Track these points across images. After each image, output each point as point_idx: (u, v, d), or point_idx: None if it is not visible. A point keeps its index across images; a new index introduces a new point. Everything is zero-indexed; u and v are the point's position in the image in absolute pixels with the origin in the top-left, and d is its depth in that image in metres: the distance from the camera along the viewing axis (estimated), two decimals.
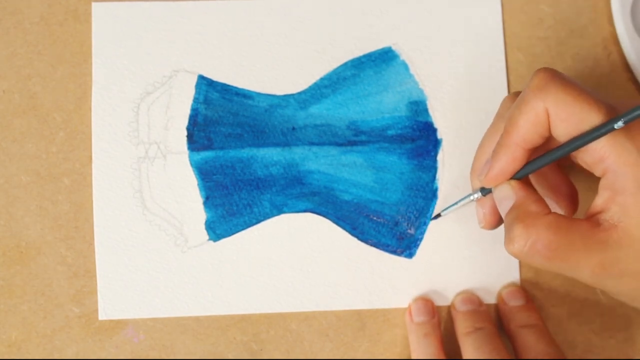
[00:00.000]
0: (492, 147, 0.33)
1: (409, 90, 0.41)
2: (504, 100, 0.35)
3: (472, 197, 0.35)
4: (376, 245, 0.40)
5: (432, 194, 0.40)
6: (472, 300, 0.39)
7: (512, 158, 0.32)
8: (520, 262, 0.40)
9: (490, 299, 0.40)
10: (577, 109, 0.29)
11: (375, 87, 0.41)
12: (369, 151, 0.40)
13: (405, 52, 0.41)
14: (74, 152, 0.40)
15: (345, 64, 0.41)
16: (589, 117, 0.29)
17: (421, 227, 0.40)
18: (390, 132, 0.40)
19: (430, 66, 0.41)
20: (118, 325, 0.39)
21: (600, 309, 0.40)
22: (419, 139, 0.40)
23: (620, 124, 0.28)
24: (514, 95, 0.34)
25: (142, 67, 0.40)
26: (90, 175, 0.39)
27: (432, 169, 0.40)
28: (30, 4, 0.41)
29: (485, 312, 0.39)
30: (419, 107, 0.41)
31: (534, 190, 0.32)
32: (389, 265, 0.40)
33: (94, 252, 0.39)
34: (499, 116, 0.35)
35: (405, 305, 0.39)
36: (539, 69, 0.31)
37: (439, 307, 0.39)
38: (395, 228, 0.40)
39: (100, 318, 0.39)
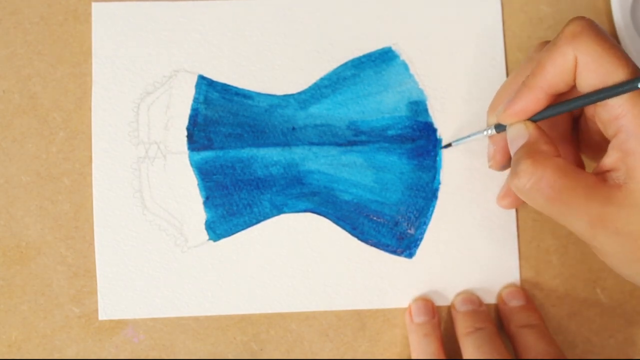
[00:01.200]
0: (514, 88, 0.33)
1: (409, 90, 0.41)
2: (535, 46, 0.35)
3: (485, 133, 0.36)
4: (376, 245, 0.40)
5: (432, 194, 0.40)
6: (472, 300, 0.39)
7: (534, 99, 0.32)
8: (520, 263, 0.40)
9: (490, 299, 0.40)
10: (605, 62, 0.30)
11: (375, 87, 0.41)
12: (369, 151, 0.40)
13: (405, 52, 0.41)
14: (74, 152, 0.40)
15: (345, 64, 0.41)
16: (616, 72, 0.29)
17: (421, 227, 0.40)
18: (390, 132, 0.40)
19: (430, 66, 0.41)
20: (118, 325, 0.39)
21: (600, 309, 0.40)
22: (419, 139, 0.41)
23: None
24: (545, 43, 0.34)
25: (142, 67, 0.40)
26: (90, 175, 0.39)
27: (432, 169, 0.40)
28: (30, 4, 0.41)
29: (485, 312, 0.39)
30: (419, 107, 0.41)
31: (547, 134, 0.33)
32: (389, 265, 0.40)
33: (94, 252, 0.39)
34: (527, 59, 0.35)
35: (405, 305, 0.39)
36: (575, 17, 0.31)
37: (439, 307, 0.39)
38: (395, 228, 0.40)
39: (100, 318, 0.39)
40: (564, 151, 0.36)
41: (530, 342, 0.37)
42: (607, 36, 0.30)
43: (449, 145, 0.40)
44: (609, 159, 0.30)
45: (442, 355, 0.37)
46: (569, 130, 0.36)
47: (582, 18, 0.31)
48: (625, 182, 0.30)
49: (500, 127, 0.35)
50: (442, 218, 0.40)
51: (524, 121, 0.33)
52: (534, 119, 0.33)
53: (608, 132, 0.31)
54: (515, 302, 0.39)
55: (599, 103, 0.31)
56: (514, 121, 0.33)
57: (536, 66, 0.32)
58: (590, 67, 0.30)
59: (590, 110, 0.33)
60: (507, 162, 0.36)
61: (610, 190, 0.30)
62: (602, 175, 0.30)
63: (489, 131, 0.35)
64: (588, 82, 0.30)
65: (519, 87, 0.33)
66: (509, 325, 0.38)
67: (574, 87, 0.32)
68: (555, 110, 0.32)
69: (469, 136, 0.38)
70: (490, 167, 0.37)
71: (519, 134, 0.33)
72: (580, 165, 0.36)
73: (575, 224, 0.30)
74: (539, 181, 0.30)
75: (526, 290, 0.40)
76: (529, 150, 0.31)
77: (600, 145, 0.34)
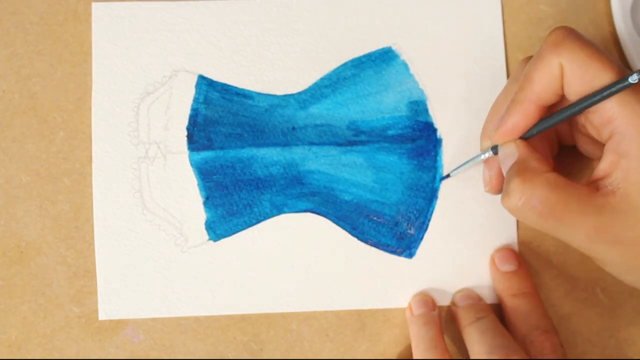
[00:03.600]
0: (503, 108, 0.33)
1: (409, 90, 0.41)
2: (519, 63, 0.36)
3: (482, 157, 0.36)
4: (376, 245, 0.40)
5: (432, 194, 0.40)
6: (472, 296, 0.39)
7: (524, 114, 0.32)
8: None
9: (490, 299, 0.40)
10: (591, 67, 0.30)
11: (376, 87, 0.41)
12: (369, 151, 0.40)
13: (405, 52, 0.41)
14: (74, 152, 0.40)
15: (345, 64, 0.41)
16: (602, 76, 0.29)
17: (421, 227, 0.40)
18: (390, 132, 0.40)
19: (430, 66, 0.41)
20: (118, 325, 0.39)
21: (600, 309, 0.40)
22: (419, 139, 0.41)
23: (635, 77, 0.28)
24: (528, 59, 0.34)
25: (142, 67, 0.40)
26: (90, 175, 0.39)
27: (432, 169, 0.40)
28: (30, 4, 0.41)
29: (485, 304, 0.39)
30: (419, 107, 0.41)
31: (537, 150, 0.32)
32: (389, 265, 0.40)
33: (94, 252, 0.39)
34: (512, 79, 0.35)
35: (405, 305, 0.39)
36: (556, 27, 0.32)
37: (439, 307, 0.39)
38: (395, 228, 0.40)
39: (100, 318, 0.39)
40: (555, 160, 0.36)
41: (522, 311, 0.37)
42: (589, 42, 0.30)
43: (447, 176, 0.40)
44: (605, 163, 0.30)
45: (441, 342, 0.37)
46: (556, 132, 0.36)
47: (563, 27, 0.31)
48: (619, 186, 0.29)
49: (496, 149, 0.35)
50: (442, 218, 0.40)
51: (514, 140, 0.33)
52: (526, 136, 0.33)
53: (602, 137, 0.31)
54: (507, 267, 0.39)
55: (589, 110, 0.30)
56: (507, 140, 0.33)
57: (523, 80, 0.32)
58: (576, 74, 0.30)
59: (581, 119, 0.33)
60: (502, 186, 0.35)
61: (604, 199, 0.29)
62: (595, 185, 0.30)
63: (485, 155, 0.36)
64: (575, 89, 0.30)
65: (509, 104, 0.33)
66: (500, 294, 0.38)
67: (563, 97, 0.32)
68: (546, 123, 0.32)
69: (465, 163, 0.38)
70: (487, 192, 0.37)
71: (509, 153, 0.33)
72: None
73: (572, 238, 0.30)
74: (530, 199, 0.30)
75: (520, 255, 0.39)
76: (518, 169, 0.31)
77: (598, 145, 0.34)
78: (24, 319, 0.39)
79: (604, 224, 0.29)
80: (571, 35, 0.31)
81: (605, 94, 0.29)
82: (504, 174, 0.33)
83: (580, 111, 0.31)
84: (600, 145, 0.32)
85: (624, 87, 0.29)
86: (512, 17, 0.42)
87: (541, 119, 0.33)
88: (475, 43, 0.41)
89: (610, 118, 0.30)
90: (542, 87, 0.31)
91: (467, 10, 0.42)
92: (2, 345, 0.38)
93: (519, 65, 0.35)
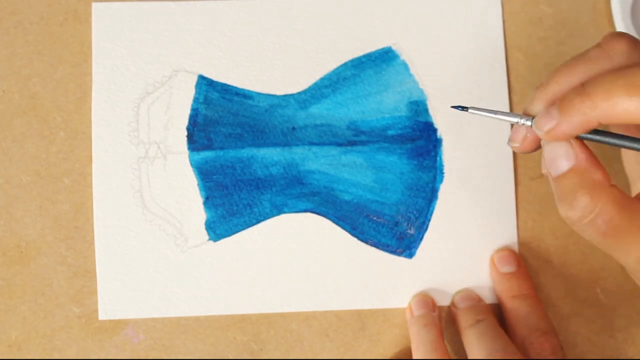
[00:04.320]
0: (579, 78, 0.28)
1: (409, 90, 0.41)
2: (612, 37, 0.29)
3: (521, 121, 0.29)
4: (376, 245, 0.40)
5: (432, 194, 0.40)
6: (471, 297, 0.39)
7: (592, 119, 0.27)
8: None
9: (490, 299, 0.40)
10: None
11: (375, 87, 0.41)
12: (369, 151, 0.40)
13: (405, 52, 0.41)
14: (74, 152, 0.40)
15: (345, 64, 0.41)
16: None
17: (421, 227, 0.40)
18: (390, 132, 0.40)
19: (430, 66, 0.41)
20: (118, 325, 0.39)
21: (600, 309, 0.40)
22: (419, 139, 0.40)
23: None
24: (623, 35, 0.29)
25: (142, 67, 0.40)
26: (90, 175, 0.39)
27: (432, 169, 0.40)
28: (30, 4, 0.41)
29: (485, 306, 0.39)
30: (419, 107, 0.41)
31: (595, 155, 0.29)
32: (389, 265, 0.40)
33: (94, 252, 0.39)
34: (599, 47, 0.29)
35: (405, 305, 0.39)
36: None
37: (439, 307, 0.39)
38: (395, 228, 0.40)
39: (100, 318, 0.39)
40: None
41: (522, 312, 0.37)
42: None
43: (465, 108, 0.31)
44: None
45: (441, 344, 0.37)
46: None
47: None
48: None
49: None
50: (442, 218, 0.40)
51: (575, 139, 0.29)
52: (584, 136, 0.28)
53: None
54: (507, 269, 0.39)
55: None
56: (566, 129, 0.28)
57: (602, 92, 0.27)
58: None
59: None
60: (534, 150, 0.31)
61: None
62: None
63: (522, 120, 0.29)
64: None
65: (577, 97, 0.27)
66: (499, 295, 0.38)
67: None
68: (618, 141, 0.28)
69: (496, 113, 0.30)
70: (513, 148, 0.31)
71: (562, 153, 0.29)
72: None
73: (624, 259, 0.29)
74: (596, 218, 0.28)
75: (520, 257, 0.39)
76: (583, 181, 0.28)
77: None
78: (24, 319, 0.39)
79: None
80: None
81: None
82: (551, 171, 0.29)
83: None
84: None
85: None
86: (512, 17, 0.42)
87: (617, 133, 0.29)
88: (475, 43, 0.41)
89: None
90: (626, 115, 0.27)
91: (467, 10, 0.42)
92: (2, 345, 0.38)
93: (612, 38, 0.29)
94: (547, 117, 0.28)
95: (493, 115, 0.31)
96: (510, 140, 0.31)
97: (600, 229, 0.28)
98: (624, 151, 0.35)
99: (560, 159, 0.29)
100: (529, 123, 0.29)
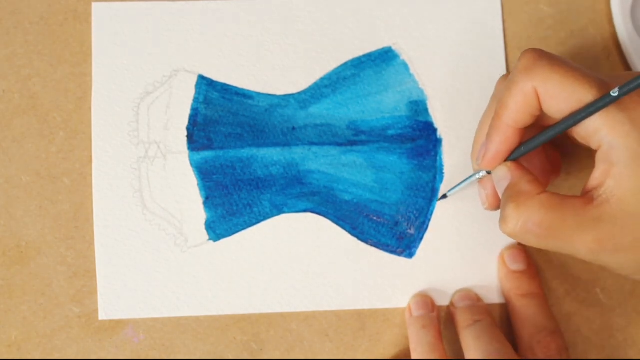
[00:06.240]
0: (487, 129, 0.34)
1: (409, 90, 0.41)
2: (498, 81, 0.36)
3: (476, 176, 0.36)
4: (376, 245, 0.40)
5: (432, 194, 0.40)
6: (470, 296, 0.39)
7: (504, 139, 0.32)
8: None
9: (490, 299, 0.40)
10: (566, 86, 0.30)
11: (376, 87, 0.41)
12: (369, 151, 0.40)
13: (405, 52, 0.41)
14: (74, 152, 0.40)
15: (345, 64, 0.41)
16: (580, 93, 0.30)
17: (421, 227, 0.40)
18: (390, 132, 0.40)
19: (430, 66, 0.41)
20: (118, 325, 0.39)
21: (600, 309, 0.40)
22: (419, 138, 0.41)
23: (616, 91, 0.29)
24: (506, 77, 0.35)
25: (142, 67, 0.40)
26: (90, 175, 0.39)
27: (432, 169, 0.40)
28: (30, 4, 0.41)
29: (484, 306, 0.39)
30: (419, 107, 0.41)
31: (529, 170, 0.33)
32: (389, 265, 0.40)
33: (94, 252, 0.39)
34: (493, 98, 0.35)
35: (405, 305, 0.39)
36: (525, 49, 0.32)
37: (438, 307, 0.39)
38: (395, 228, 0.40)
39: (100, 318, 0.39)
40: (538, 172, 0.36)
41: (530, 311, 0.37)
42: (561, 60, 0.31)
43: (444, 196, 0.39)
44: (597, 173, 0.30)
45: (440, 345, 0.37)
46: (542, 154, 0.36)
47: (531, 50, 0.31)
48: (613, 193, 0.29)
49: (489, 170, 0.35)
50: (442, 218, 0.40)
51: (505, 162, 0.33)
52: (513, 157, 0.33)
53: (592, 145, 0.31)
54: (517, 266, 0.39)
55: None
56: (493, 166, 0.33)
57: (499, 106, 0.32)
58: (552, 95, 0.30)
59: (569, 130, 0.33)
60: (499, 203, 0.35)
61: (600, 210, 0.29)
62: (589, 195, 0.30)
63: (480, 174, 0.35)
64: (555, 108, 0.31)
65: (489, 130, 0.33)
66: (507, 294, 0.38)
67: (544, 114, 0.32)
68: (531, 144, 0.33)
69: (462, 183, 0.38)
70: (485, 209, 0.37)
71: (502, 176, 0.33)
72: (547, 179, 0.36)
73: (575, 253, 0.30)
74: (526, 224, 0.30)
75: (529, 255, 0.39)
76: (511, 194, 0.31)
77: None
78: (24, 319, 0.39)
79: (604, 234, 0.29)
80: (542, 57, 0.31)
81: (590, 110, 0.29)
82: (500, 195, 0.33)
83: (565, 129, 0.31)
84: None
85: (609, 102, 0.29)
86: (512, 17, 0.42)
87: (525, 141, 0.33)
88: (475, 43, 0.41)
89: (596, 129, 0.30)
90: (517, 111, 0.31)
91: (467, 11, 0.42)
92: (2, 345, 0.38)
93: (498, 82, 0.35)
94: (480, 151, 0.34)
95: (463, 185, 0.38)
96: (482, 204, 0.36)
97: (536, 233, 0.30)
98: (573, 144, 0.36)
99: (501, 180, 0.33)
100: (483, 174, 0.35)
